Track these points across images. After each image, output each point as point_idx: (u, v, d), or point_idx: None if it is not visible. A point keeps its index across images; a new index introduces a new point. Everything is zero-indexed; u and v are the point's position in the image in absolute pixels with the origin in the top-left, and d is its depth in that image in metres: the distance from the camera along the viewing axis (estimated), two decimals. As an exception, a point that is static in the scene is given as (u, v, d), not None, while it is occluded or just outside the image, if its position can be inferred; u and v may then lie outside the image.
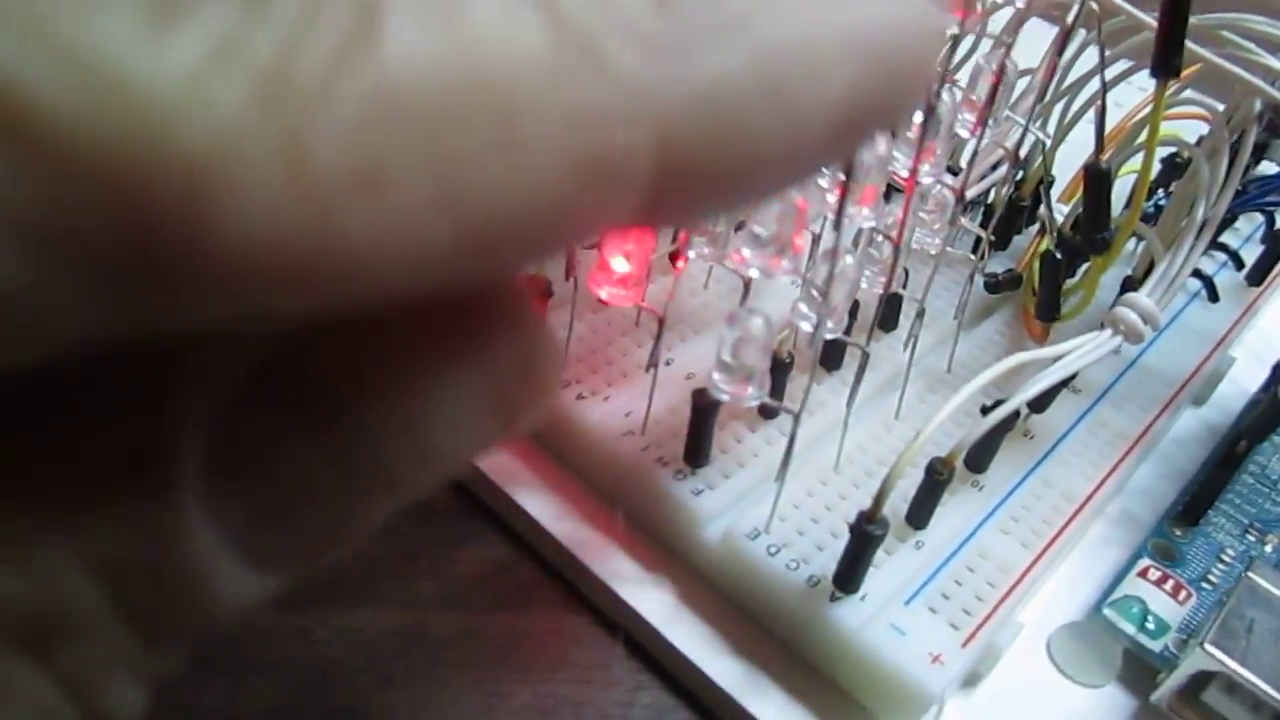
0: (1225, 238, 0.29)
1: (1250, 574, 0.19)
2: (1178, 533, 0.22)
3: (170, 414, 0.08)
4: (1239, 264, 0.29)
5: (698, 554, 0.20)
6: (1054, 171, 0.27)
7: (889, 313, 0.24)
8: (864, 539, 0.18)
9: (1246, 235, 0.30)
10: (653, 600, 0.20)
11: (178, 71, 0.06)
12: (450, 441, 0.10)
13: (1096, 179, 0.21)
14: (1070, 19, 0.21)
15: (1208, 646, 0.18)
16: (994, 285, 0.25)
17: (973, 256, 0.23)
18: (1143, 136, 0.23)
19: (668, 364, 0.23)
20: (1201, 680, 0.19)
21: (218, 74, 0.06)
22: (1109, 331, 0.21)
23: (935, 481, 0.19)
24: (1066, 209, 0.26)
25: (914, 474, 0.20)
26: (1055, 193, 0.27)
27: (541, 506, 0.21)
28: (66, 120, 0.06)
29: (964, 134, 0.20)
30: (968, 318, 0.25)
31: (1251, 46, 0.22)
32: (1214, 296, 0.27)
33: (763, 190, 0.09)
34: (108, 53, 0.06)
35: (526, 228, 0.08)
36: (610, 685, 0.20)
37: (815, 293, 0.19)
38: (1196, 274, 0.27)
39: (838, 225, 0.17)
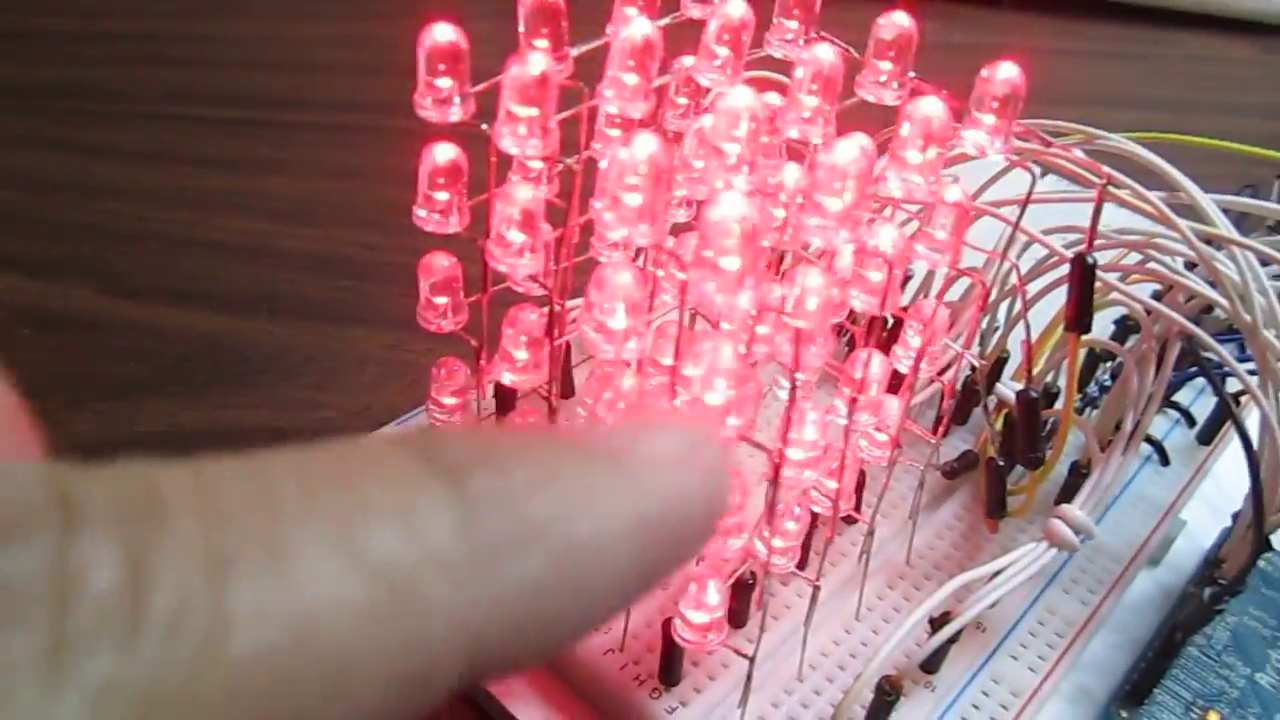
0: (1178, 395, 0.31)
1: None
2: (1124, 715, 0.24)
3: None
4: (1191, 421, 0.30)
5: (673, 770, 0.22)
6: (1009, 346, 0.29)
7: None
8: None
9: (1200, 388, 0.32)
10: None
11: None
12: None
13: (1027, 406, 0.23)
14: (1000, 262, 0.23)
15: None
16: (951, 472, 0.27)
17: (931, 439, 0.25)
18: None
19: (646, 573, 0.25)
20: None
21: (100, 716, 0.07)
22: (1044, 545, 0.23)
23: (885, 702, 0.21)
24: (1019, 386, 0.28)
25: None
26: (1010, 370, 0.29)
27: (536, 716, 0.23)
28: None
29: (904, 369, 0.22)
30: (926, 500, 0.27)
31: (1178, 265, 0.24)
32: (1165, 460, 0.29)
33: (564, 646, 0.11)
34: None
35: None
36: None
37: (767, 537, 0.21)
38: (1147, 439, 0.29)
39: (771, 510, 0.19)
